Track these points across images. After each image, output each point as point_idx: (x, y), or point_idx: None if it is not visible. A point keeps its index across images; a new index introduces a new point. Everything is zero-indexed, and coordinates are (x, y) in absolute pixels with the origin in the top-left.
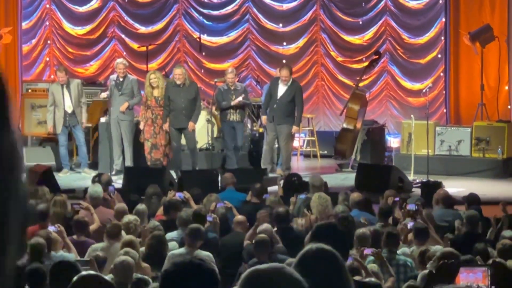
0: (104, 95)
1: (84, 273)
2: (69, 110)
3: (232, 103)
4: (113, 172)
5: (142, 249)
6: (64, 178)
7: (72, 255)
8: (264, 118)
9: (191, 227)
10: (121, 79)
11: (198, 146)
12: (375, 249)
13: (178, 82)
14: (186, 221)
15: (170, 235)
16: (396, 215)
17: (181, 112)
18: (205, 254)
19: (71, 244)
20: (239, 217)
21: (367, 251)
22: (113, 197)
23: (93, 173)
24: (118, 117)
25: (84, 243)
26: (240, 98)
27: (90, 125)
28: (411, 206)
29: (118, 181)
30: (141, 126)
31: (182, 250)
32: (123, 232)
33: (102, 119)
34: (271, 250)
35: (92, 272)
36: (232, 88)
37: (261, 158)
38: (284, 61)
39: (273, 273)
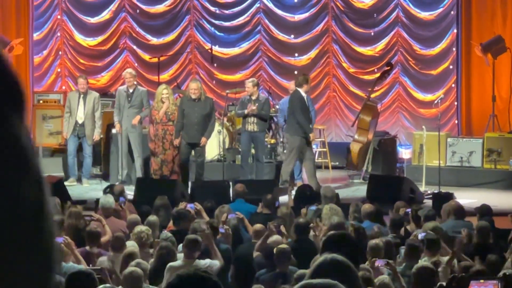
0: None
1: (101, 286)
2: (80, 121)
3: (246, 111)
4: (117, 183)
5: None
6: (76, 189)
7: (81, 267)
8: (312, 135)
9: (188, 238)
10: (130, 90)
11: (210, 157)
12: (388, 260)
13: (193, 97)
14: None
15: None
16: (408, 227)
17: (193, 127)
18: (203, 263)
19: (80, 256)
20: (258, 226)
21: (379, 262)
22: (124, 208)
23: (88, 184)
24: (127, 128)
25: (97, 254)
26: (253, 107)
27: (97, 139)
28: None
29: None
30: (150, 132)
31: (179, 262)
32: (129, 243)
33: (114, 130)
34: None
35: (108, 285)
36: (253, 98)
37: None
38: (295, 72)
39: None
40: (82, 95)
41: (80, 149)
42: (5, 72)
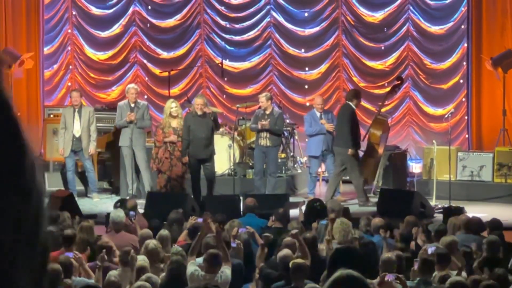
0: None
1: None
2: (77, 134)
3: (259, 126)
4: (127, 197)
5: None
6: (86, 203)
7: (91, 281)
8: (351, 151)
9: (210, 253)
10: (132, 105)
11: (221, 171)
12: (398, 275)
13: (199, 113)
14: (212, 247)
15: (198, 260)
16: (418, 241)
17: (201, 142)
18: (219, 276)
19: (90, 270)
20: (288, 239)
21: (389, 277)
22: (134, 222)
23: (98, 198)
24: (132, 143)
25: (108, 269)
26: (265, 122)
27: (93, 152)
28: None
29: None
30: (154, 151)
31: (200, 277)
32: (139, 257)
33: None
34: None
35: None
36: (267, 113)
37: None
38: (306, 86)
39: None
40: (76, 110)
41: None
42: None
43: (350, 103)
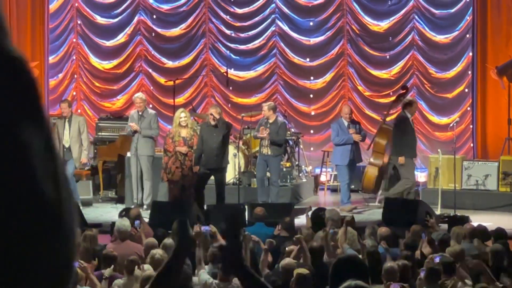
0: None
1: None
2: (66, 145)
3: (258, 135)
4: (132, 206)
5: None
6: (91, 212)
7: None
8: (401, 159)
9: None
10: (140, 113)
11: (226, 180)
12: (402, 284)
13: (213, 123)
14: (217, 256)
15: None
16: (424, 250)
17: (213, 152)
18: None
19: (95, 280)
20: (291, 247)
21: (394, 286)
22: (139, 231)
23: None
24: (138, 152)
25: (113, 277)
26: (264, 132)
27: (85, 161)
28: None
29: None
30: (164, 161)
31: (214, 285)
32: (145, 266)
33: (129, 154)
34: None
35: None
36: (270, 122)
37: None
38: (311, 95)
39: None
40: (67, 120)
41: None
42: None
43: (404, 112)
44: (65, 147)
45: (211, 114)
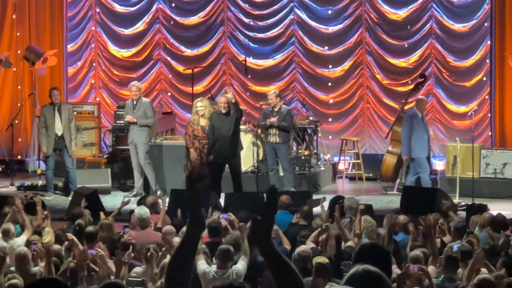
0: (130, 119)
1: None
2: (59, 133)
3: (268, 122)
4: (130, 195)
5: None
6: (110, 201)
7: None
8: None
9: (221, 249)
10: (134, 102)
11: (244, 169)
12: (421, 266)
13: (223, 111)
14: (235, 244)
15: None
16: (444, 238)
17: (226, 140)
18: (231, 271)
19: (113, 268)
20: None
21: (413, 267)
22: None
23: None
24: (134, 140)
25: (131, 266)
26: (273, 119)
27: (75, 150)
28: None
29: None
30: (193, 156)
31: (213, 272)
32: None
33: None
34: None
35: None
36: (275, 110)
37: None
38: (329, 84)
39: None
40: (56, 108)
41: (115, 161)
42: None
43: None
44: (57, 136)
45: (222, 103)
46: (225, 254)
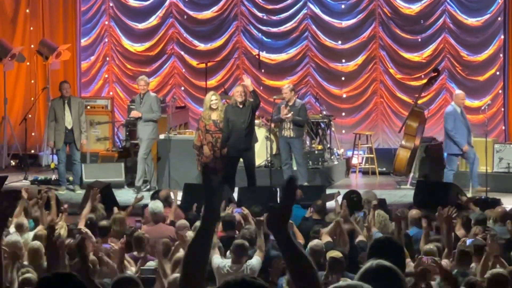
0: (136, 115)
1: None
2: (69, 126)
3: (281, 116)
4: (145, 189)
5: None
6: (123, 195)
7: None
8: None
9: (236, 244)
10: (141, 96)
11: (257, 163)
12: (434, 258)
13: (240, 99)
14: (250, 239)
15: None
16: (458, 233)
17: (241, 133)
18: (245, 266)
19: (128, 262)
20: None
21: (426, 259)
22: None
23: (80, 191)
24: (139, 135)
25: (144, 259)
26: (288, 114)
27: (85, 143)
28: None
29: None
30: (207, 151)
31: (227, 267)
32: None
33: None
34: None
35: None
36: (289, 104)
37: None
38: (343, 78)
39: None
40: (66, 101)
41: (129, 155)
42: None
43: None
44: (67, 129)
45: (239, 91)
46: (240, 249)
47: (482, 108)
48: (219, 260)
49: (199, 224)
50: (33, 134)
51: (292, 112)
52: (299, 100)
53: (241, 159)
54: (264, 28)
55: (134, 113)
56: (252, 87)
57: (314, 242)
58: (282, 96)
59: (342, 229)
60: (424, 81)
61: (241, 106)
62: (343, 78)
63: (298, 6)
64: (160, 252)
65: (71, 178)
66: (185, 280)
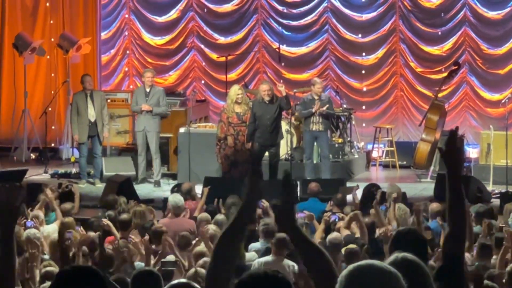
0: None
1: (174, 281)
2: (92, 119)
3: (313, 110)
4: (138, 181)
5: None
6: (143, 188)
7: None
8: None
9: (278, 237)
10: (148, 90)
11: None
12: None
13: (267, 98)
14: (268, 232)
15: (254, 245)
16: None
17: (267, 129)
18: (291, 263)
19: (147, 255)
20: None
21: None
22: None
23: (100, 184)
24: (145, 128)
25: (163, 253)
26: (323, 108)
27: (107, 136)
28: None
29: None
30: (231, 142)
31: (268, 258)
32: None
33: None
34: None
35: (183, 280)
36: (316, 98)
37: None
38: (363, 71)
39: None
40: (88, 95)
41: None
42: None
43: None
44: (90, 122)
45: (266, 90)
46: (281, 243)
47: (503, 101)
48: (252, 254)
49: (235, 214)
50: (53, 127)
51: (327, 105)
52: (324, 93)
53: (266, 153)
54: (284, 21)
55: (146, 107)
56: (285, 92)
57: (333, 235)
58: (303, 89)
59: (361, 222)
60: (445, 74)
61: (267, 102)
62: (363, 72)
63: None
64: (172, 246)
65: (91, 172)
66: (214, 271)
